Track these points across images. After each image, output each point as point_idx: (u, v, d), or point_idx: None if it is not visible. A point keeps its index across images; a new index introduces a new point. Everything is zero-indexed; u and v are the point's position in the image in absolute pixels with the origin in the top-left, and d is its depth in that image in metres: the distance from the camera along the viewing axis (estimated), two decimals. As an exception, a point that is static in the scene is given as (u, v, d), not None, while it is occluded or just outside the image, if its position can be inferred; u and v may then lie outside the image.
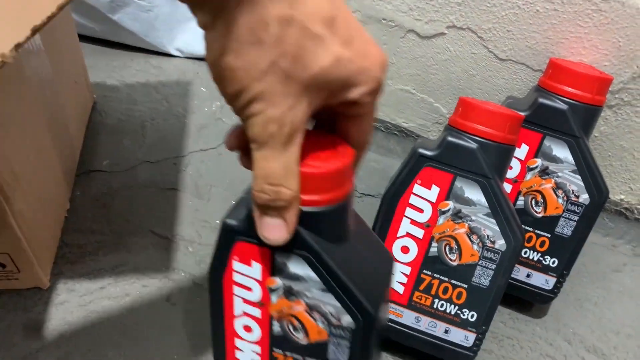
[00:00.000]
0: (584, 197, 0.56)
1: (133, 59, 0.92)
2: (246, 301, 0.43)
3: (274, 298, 0.42)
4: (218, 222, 0.67)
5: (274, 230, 0.32)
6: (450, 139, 0.50)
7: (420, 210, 0.50)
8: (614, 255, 0.72)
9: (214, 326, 0.47)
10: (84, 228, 0.64)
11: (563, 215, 0.57)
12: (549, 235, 0.58)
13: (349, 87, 0.29)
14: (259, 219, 0.32)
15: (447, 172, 0.49)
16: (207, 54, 0.27)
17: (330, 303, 0.41)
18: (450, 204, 0.49)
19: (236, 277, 0.42)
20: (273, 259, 0.39)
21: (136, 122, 0.79)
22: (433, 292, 0.52)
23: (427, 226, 0.50)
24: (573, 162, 0.55)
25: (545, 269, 0.59)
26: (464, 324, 0.53)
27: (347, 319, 0.42)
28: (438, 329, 0.53)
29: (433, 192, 0.49)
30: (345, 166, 0.37)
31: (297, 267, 0.40)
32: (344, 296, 0.40)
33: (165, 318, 0.57)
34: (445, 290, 0.52)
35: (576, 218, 0.57)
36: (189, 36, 0.91)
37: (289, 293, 0.42)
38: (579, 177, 0.56)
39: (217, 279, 0.42)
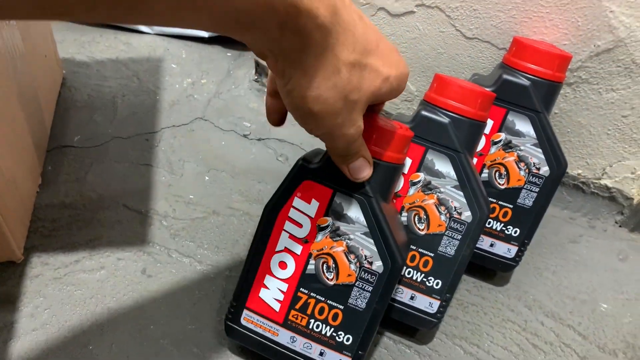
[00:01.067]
0: (545, 170, 0.59)
1: (102, 35, 0.91)
2: (292, 237, 0.48)
3: (319, 236, 0.48)
4: (192, 196, 0.68)
5: (363, 169, 0.43)
6: (424, 113, 0.52)
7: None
8: (571, 227, 0.76)
9: (249, 261, 0.50)
10: (56, 203, 0.64)
11: (525, 187, 0.60)
12: (511, 206, 0.61)
13: (389, 97, 0.39)
14: (348, 167, 0.43)
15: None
16: (287, 99, 0.34)
17: (368, 247, 0.47)
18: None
19: (292, 213, 0.48)
20: (331, 200, 0.46)
21: (106, 98, 0.79)
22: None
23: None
24: (535, 136, 0.58)
25: (508, 239, 0.62)
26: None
27: (377, 264, 0.47)
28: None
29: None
30: (411, 137, 0.47)
31: (351, 209, 0.46)
32: (382, 241, 0.46)
33: (141, 289, 0.58)
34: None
35: (537, 189, 0.60)
36: (159, 13, 0.91)
37: (334, 233, 0.47)
38: (540, 150, 0.59)
39: (274, 213, 0.48)
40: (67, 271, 0.58)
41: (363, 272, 0.48)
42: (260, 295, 0.50)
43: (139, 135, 0.75)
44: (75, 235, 0.62)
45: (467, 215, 0.53)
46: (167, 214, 0.66)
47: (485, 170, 0.61)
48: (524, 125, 0.58)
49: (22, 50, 0.60)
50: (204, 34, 0.91)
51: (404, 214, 0.55)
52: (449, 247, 0.54)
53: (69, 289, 0.57)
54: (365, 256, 0.47)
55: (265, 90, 0.84)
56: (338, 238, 0.47)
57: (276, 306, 0.50)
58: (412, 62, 0.71)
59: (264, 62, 0.82)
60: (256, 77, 0.86)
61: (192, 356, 0.54)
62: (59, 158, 0.69)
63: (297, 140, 0.80)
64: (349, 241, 0.47)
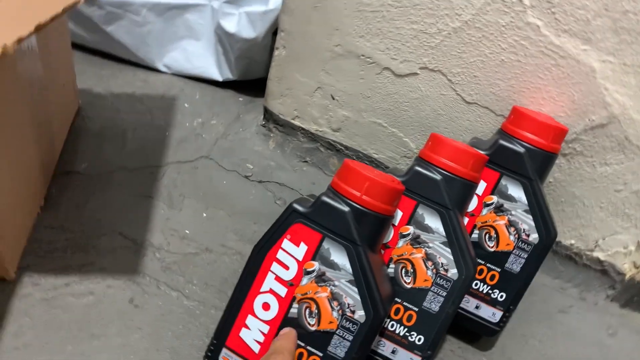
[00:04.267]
0: (534, 237, 0.60)
1: (121, 71, 0.95)
2: (278, 278, 0.49)
3: (305, 280, 0.48)
4: (187, 231, 0.70)
5: None
6: (417, 168, 0.54)
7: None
8: (561, 297, 0.76)
9: (232, 300, 0.51)
10: (55, 225, 0.66)
11: (513, 251, 0.61)
12: (499, 270, 0.61)
13: None
14: None
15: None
16: None
17: (351, 295, 0.47)
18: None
19: (280, 255, 0.49)
20: (320, 245, 0.47)
21: (118, 130, 0.82)
22: None
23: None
24: (526, 202, 0.59)
25: (493, 302, 0.62)
26: None
27: (360, 313, 0.48)
28: None
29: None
30: (402, 190, 0.49)
31: (338, 256, 0.47)
32: (366, 291, 0.47)
33: (127, 318, 0.59)
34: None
35: (525, 256, 0.60)
36: (178, 54, 0.95)
37: (320, 278, 0.48)
38: (531, 217, 0.60)
39: (262, 253, 0.49)
40: (56, 294, 0.59)
41: (345, 321, 0.48)
42: (240, 334, 0.50)
43: (144, 167, 0.77)
44: (69, 259, 0.63)
45: (453, 272, 0.54)
46: (161, 247, 0.67)
47: (476, 231, 0.61)
48: (516, 191, 0.59)
49: (41, 77, 0.63)
50: (219, 77, 0.95)
51: (392, 265, 0.55)
52: (433, 303, 0.55)
53: (55, 312, 0.57)
54: (349, 304, 0.48)
55: (272, 135, 0.86)
56: (323, 284, 0.48)
57: (256, 348, 0.50)
58: (412, 121, 0.73)
59: (272, 110, 0.84)
60: (264, 123, 0.88)
61: (168, 390, 0.54)
62: (64, 183, 0.71)
63: (297, 186, 0.81)
64: (333, 287, 0.48)
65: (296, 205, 0.48)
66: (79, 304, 0.59)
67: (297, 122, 0.83)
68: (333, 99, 0.78)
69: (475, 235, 0.62)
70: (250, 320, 0.50)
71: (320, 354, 0.49)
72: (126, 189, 0.73)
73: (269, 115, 0.86)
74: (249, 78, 0.95)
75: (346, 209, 0.47)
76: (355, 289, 0.47)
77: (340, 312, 0.48)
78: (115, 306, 0.60)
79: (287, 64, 0.79)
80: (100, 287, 0.61)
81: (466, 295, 0.62)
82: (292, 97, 0.81)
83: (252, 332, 0.50)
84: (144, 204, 0.72)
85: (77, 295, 0.59)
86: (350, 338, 0.48)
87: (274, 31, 0.87)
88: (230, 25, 0.87)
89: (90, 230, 0.66)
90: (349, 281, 0.47)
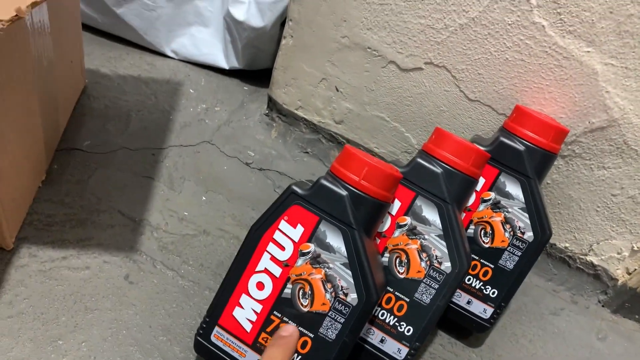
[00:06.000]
0: (529, 235, 0.60)
1: (129, 53, 0.95)
2: (273, 258, 0.50)
3: (300, 261, 0.49)
4: (186, 213, 0.70)
5: None
6: (419, 160, 0.55)
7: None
8: (553, 299, 0.77)
9: (227, 279, 0.51)
10: (55, 200, 0.66)
11: (507, 248, 0.61)
12: (492, 266, 0.62)
13: None
14: None
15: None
16: None
17: (345, 278, 0.48)
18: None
19: (277, 235, 0.49)
20: (316, 227, 0.48)
21: (122, 111, 0.82)
22: None
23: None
24: (523, 200, 0.60)
25: (485, 298, 0.63)
26: None
27: (353, 296, 0.48)
28: None
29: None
30: (399, 178, 0.50)
31: (334, 238, 0.48)
32: (360, 274, 0.48)
33: (121, 294, 0.59)
34: None
35: (519, 253, 0.61)
36: (186, 40, 0.95)
37: (315, 260, 0.49)
38: (527, 215, 0.60)
39: (259, 233, 0.50)
40: (52, 266, 0.60)
41: (337, 303, 0.48)
42: (234, 313, 0.51)
43: (146, 149, 0.78)
44: (68, 233, 0.63)
45: (447, 265, 0.54)
46: (159, 226, 0.68)
47: (472, 226, 0.62)
48: (514, 188, 0.60)
49: (50, 52, 0.64)
50: (225, 65, 0.95)
51: (386, 254, 0.56)
52: (425, 295, 0.55)
53: (51, 283, 0.58)
54: (342, 287, 0.48)
55: (274, 124, 0.87)
56: (318, 265, 0.48)
57: (248, 326, 0.51)
58: (415, 116, 0.74)
59: (276, 99, 0.85)
60: (267, 112, 0.89)
61: (158, 366, 0.54)
62: (66, 159, 0.72)
63: (296, 176, 0.82)
64: (327, 270, 0.48)
65: (295, 188, 0.48)
66: (74, 277, 0.59)
67: (300, 113, 0.84)
68: (337, 90, 0.78)
69: (470, 230, 0.62)
70: (244, 299, 0.50)
71: (312, 335, 0.49)
72: (127, 168, 0.74)
73: (272, 105, 0.87)
74: (255, 68, 0.96)
75: (344, 192, 0.47)
76: (349, 272, 0.48)
77: (333, 294, 0.48)
78: (111, 281, 0.60)
79: (293, 54, 0.79)
80: (96, 262, 0.62)
81: (458, 290, 0.63)
82: (296, 87, 0.82)
83: (245, 311, 0.50)
84: (144, 184, 0.73)
85: (73, 269, 0.60)
86: (342, 320, 0.48)
87: (282, 22, 0.88)
88: (240, 13, 0.87)
89: (89, 207, 0.67)
90: (344, 264, 0.48)
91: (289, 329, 0.49)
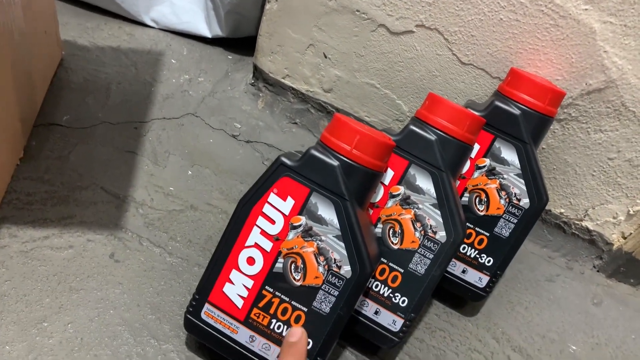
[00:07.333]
0: (525, 202, 0.59)
1: (107, 23, 0.91)
2: (263, 233, 0.48)
3: (291, 235, 0.47)
4: (172, 188, 0.68)
5: None
6: (412, 127, 0.53)
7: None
8: (549, 266, 0.76)
9: (216, 254, 0.50)
10: (35, 177, 0.64)
11: (503, 216, 0.60)
12: (487, 234, 0.61)
13: None
14: None
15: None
16: None
17: (338, 250, 0.46)
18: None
19: (266, 209, 0.47)
20: (307, 199, 0.46)
21: (102, 84, 0.79)
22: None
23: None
24: (519, 166, 0.58)
25: (481, 267, 0.61)
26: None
27: (346, 268, 0.47)
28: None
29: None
30: (392, 146, 0.49)
31: (326, 210, 0.46)
32: (353, 246, 0.46)
33: (107, 273, 0.57)
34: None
35: (515, 221, 0.60)
36: (165, 8, 0.91)
37: (307, 233, 0.47)
38: (523, 181, 0.59)
39: (248, 207, 0.48)
40: (34, 245, 0.57)
41: (331, 276, 0.47)
42: (224, 289, 0.49)
43: (128, 122, 0.75)
44: (49, 211, 0.61)
45: (441, 235, 0.53)
46: (145, 203, 0.65)
47: (466, 194, 0.60)
48: (509, 154, 0.58)
49: (21, 22, 0.61)
50: (208, 33, 0.92)
51: (380, 225, 0.54)
52: (419, 265, 0.54)
53: (33, 264, 0.56)
54: (335, 259, 0.47)
55: (261, 94, 0.84)
56: (310, 238, 0.47)
57: (239, 303, 0.49)
58: (407, 82, 0.72)
59: (262, 67, 0.82)
60: (253, 82, 0.86)
61: (148, 346, 0.52)
62: (45, 135, 0.69)
63: (285, 147, 0.79)
64: (320, 242, 0.47)
65: (284, 159, 0.46)
66: (58, 257, 0.57)
67: (287, 82, 0.81)
68: (325, 57, 0.75)
69: (465, 198, 0.60)
70: (234, 274, 0.49)
71: (305, 309, 0.48)
72: (109, 143, 0.71)
73: (258, 74, 0.84)
74: (239, 35, 0.93)
75: (335, 163, 0.45)
76: (342, 244, 0.46)
77: (326, 267, 0.47)
78: (96, 260, 0.58)
79: (278, 19, 0.76)
80: (80, 240, 0.59)
81: (453, 259, 0.62)
82: (282, 55, 0.79)
83: (236, 287, 0.49)
84: (127, 159, 0.70)
85: (56, 249, 0.58)
86: (336, 293, 0.47)
87: (266, -14, 0.84)
88: (221, -22, 0.84)
89: (71, 183, 0.65)
90: (336, 236, 0.46)
91: (297, 333, 0.47)
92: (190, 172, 0.71)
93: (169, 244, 0.62)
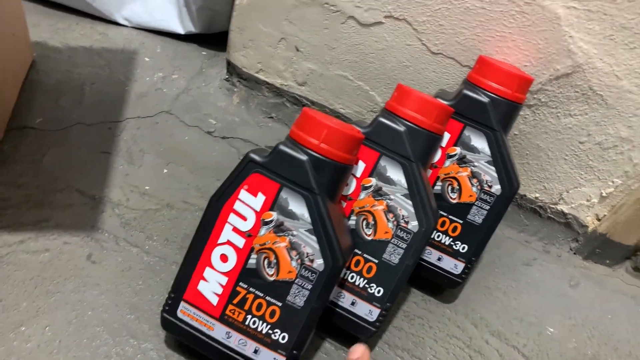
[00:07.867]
0: (496, 188, 0.59)
1: (78, 23, 0.91)
2: (235, 229, 0.48)
3: (263, 230, 0.48)
4: (147, 187, 0.68)
5: None
6: (381, 119, 0.53)
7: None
8: (526, 250, 0.77)
9: (190, 253, 0.50)
10: (8, 182, 0.63)
11: (475, 203, 0.60)
12: (461, 222, 0.61)
13: None
14: None
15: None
16: None
17: (310, 244, 0.47)
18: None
19: (237, 206, 0.48)
20: (278, 195, 0.47)
21: (75, 85, 0.79)
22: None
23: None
24: (489, 153, 0.59)
25: (456, 254, 0.62)
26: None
27: (319, 262, 0.47)
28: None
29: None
30: (361, 139, 0.48)
31: (296, 205, 0.46)
32: (325, 239, 0.46)
33: (84, 275, 0.57)
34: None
35: (487, 207, 0.60)
36: (137, 6, 0.91)
37: (278, 228, 0.47)
38: (494, 168, 0.59)
39: (219, 204, 0.48)
40: (9, 250, 0.57)
41: (304, 270, 0.47)
42: (198, 287, 0.50)
43: (102, 123, 0.75)
44: (24, 215, 0.61)
45: (414, 224, 0.54)
46: (121, 203, 0.65)
47: (439, 183, 0.61)
48: (479, 142, 0.59)
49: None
50: (181, 30, 0.92)
51: (353, 217, 0.55)
52: (393, 255, 0.54)
53: (8, 269, 0.56)
54: (307, 253, 0.47)
55: (236, 90, 0.84)
56: (282, 233, 0.47)
57: (214, 300, 0.49)
58: (378, 73, 0.72)
59: (235, 62, 0.82)
60: (227, 77, 0.86)
61: (127, 346, 0.53)
62: (18, 138, 0.69)
63: (261, 142, 0.80)
64: (292, 237, 0.47)
65: (253, 155, 0.47)
66: (34, 261, 0.57)
67: (261, 76, 0.81)
68: (297, 50, 0.75)
69: (437, 187, 0.61)
70: (208, 272, 0.49)
71: (279, 304, 0.48)
72: (84, 144, 0.71)
73: (232, 69, 0.84)
74: (213, 31, 0.92)
75: (304, 157, 0.46)
76: (314, 238, 0.47)
77: (299, 261, 0.47)
78: (72, 263, 0.58)
79: (249, 13, 0.76)
80: (56, 243, 0.59)
81: (428, 247, 0.62)
82: (255, 49, 0.79)
83: (210, 285, 0.49)
84: (102, 159, 0.70)
85: (32, 252, 0.58)
86: (310, 287, 0.48)
87: (237, -19, 0.84)
88: (191, -26, 0.83)
89: (45, 187, 0.64)
90: (308, 230, 0.47)
91: (359, 350, 0.45)
92: (165, 171, 0.71)
93: (146, 243, 0.62)
